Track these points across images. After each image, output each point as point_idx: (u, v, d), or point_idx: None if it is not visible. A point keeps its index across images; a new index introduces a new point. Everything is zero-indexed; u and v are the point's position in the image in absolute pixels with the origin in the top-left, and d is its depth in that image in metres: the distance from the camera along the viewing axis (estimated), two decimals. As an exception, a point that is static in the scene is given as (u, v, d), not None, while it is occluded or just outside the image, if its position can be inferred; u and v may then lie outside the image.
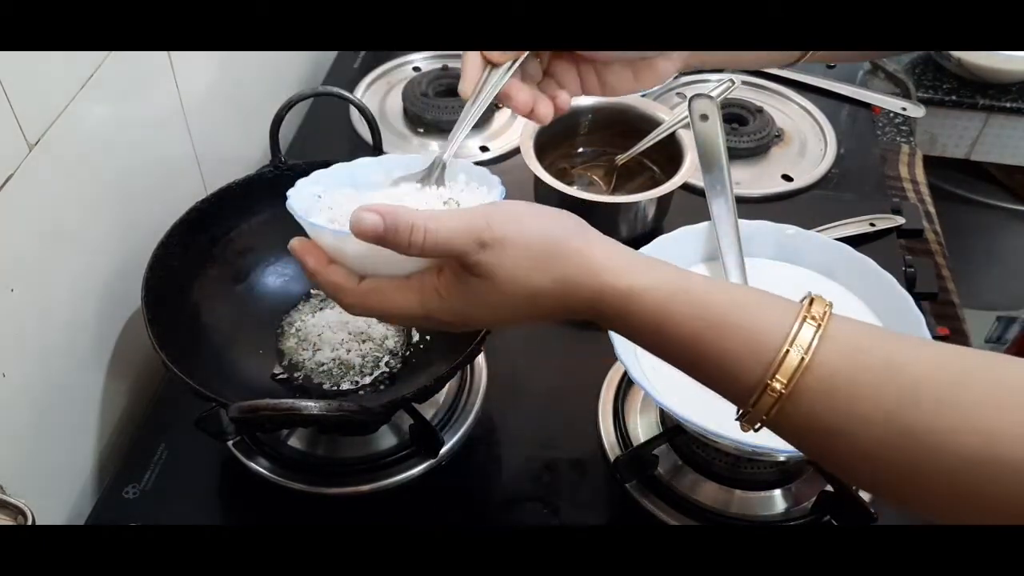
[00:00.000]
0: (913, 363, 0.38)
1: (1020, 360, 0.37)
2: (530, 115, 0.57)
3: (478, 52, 0.53)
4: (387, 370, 0.76)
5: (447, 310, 0.46)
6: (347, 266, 0.48)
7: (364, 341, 0.77)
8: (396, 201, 0.50)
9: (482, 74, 0.53)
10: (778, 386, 0.39)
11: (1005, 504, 0.35)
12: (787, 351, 0.39)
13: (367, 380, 0.75)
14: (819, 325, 0.39)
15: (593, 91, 0.59)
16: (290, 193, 0.52)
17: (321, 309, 0.81)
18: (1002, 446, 0.34)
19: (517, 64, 0.54)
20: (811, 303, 0.40)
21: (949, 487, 0.36)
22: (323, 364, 0.76)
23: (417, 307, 0.46)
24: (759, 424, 0.41)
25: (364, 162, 0.57)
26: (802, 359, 0.38)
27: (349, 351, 0.77)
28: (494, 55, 0.53)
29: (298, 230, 0.50)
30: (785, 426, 0.40)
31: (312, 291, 0.82)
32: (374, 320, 0.77)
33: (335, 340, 0.77)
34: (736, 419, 0.42)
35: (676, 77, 1.15)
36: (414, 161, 0.56)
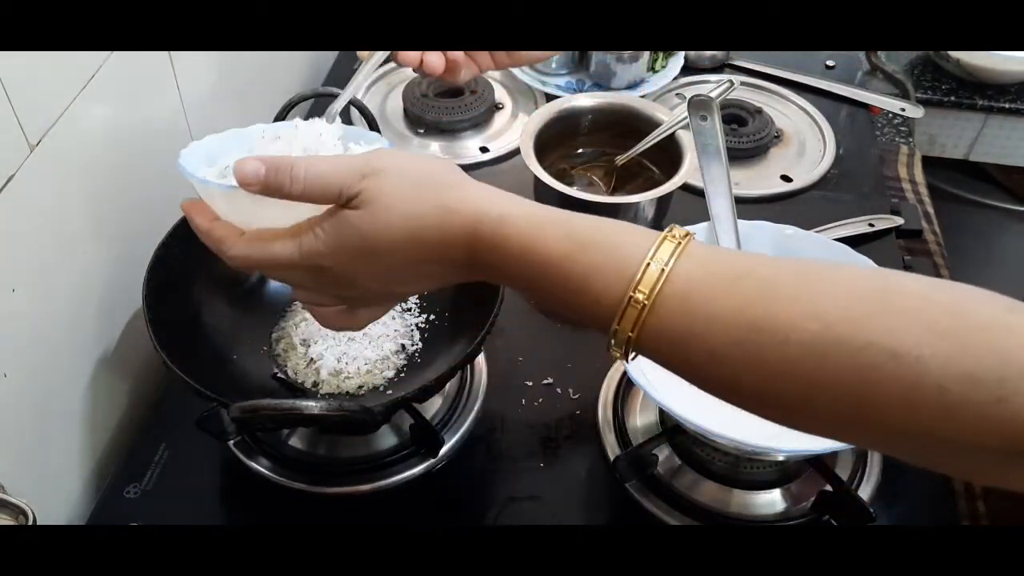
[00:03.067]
0: (762, 267, 0.40)
1: (856, 267, 0.40)
2: (420, 67, 0.61)
3: None
4: (387, 370, 0.76)
5: (327, 254, 0.46)
6: (235, 223, 0.50)
7: (364, 340, 0.77)
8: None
9: None
10: (640, 297, 0.40)
11: (844, 387, 0.37)
12: (647, 264, 0.40)
13: (367, 380, 0.75)
14: (678, 243, 0.41)
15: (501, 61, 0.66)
16: (182, 152, 0.52)
17: (321, 309, 0.81)
18: (839, 327, 0.37)
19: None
20: (672, 229, 0.43)
21: (793, 376, 0.38)
22: (324, 364, 0.76)
23: (296, 253, 0.47)
24: (628, 348, 0.42)
25: (258, 128, 0.57)
26: (662, 271, 0.40)
27: (349, 350, 0.77)
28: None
29: None
30: (650, 342, 0.42)
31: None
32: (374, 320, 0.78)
33: (335, 339, 0.77)
34: (609, 344, 0.43)
35: (676, 78, 1.15)
36: (314, 126, 0.57)
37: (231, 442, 0.73)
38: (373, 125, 0.81)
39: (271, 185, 0.45)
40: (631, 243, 0.42)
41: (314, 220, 0.47)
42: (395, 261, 0.46)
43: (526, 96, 1.16)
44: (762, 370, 0.38)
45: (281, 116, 0.79)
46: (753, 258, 0.42)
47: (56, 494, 0.72)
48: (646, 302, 0.40)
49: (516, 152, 0.95)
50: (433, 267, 0.47)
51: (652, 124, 0.95)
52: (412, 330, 0.79)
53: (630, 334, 0.41)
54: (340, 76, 1.18)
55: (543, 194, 0.89)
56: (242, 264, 0.49)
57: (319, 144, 0.54)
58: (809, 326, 0.37)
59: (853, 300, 0.37)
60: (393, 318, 0.79)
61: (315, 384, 0.75)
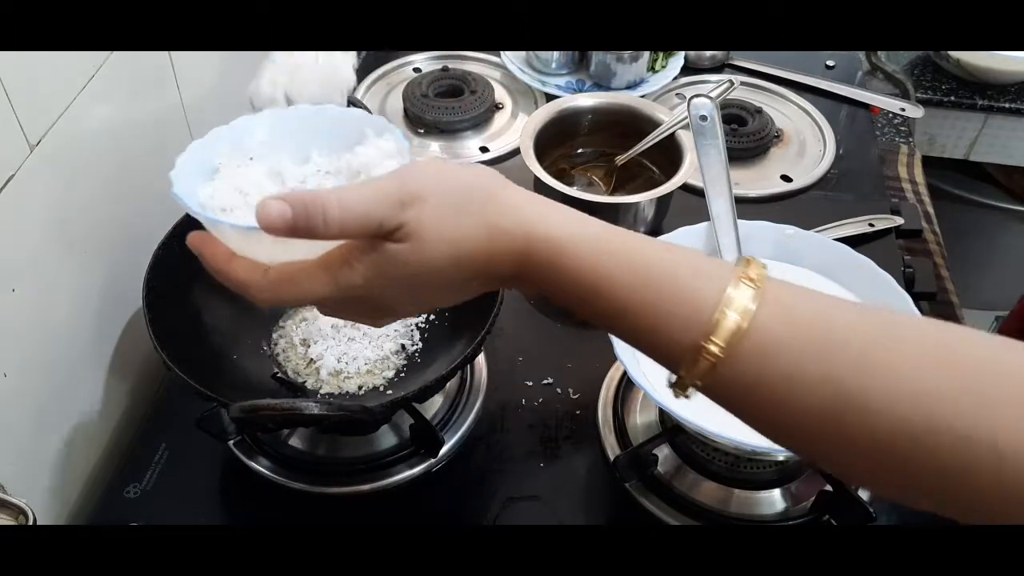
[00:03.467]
0: (853, 329, 0.37)
1: (956, 331, 0.37)
2: None
3: None
4: (387, 370, 0.76)
5: (365, 286, 0.42)
6: (254, 258, 0.43)
7: (364, 341, 0.77)
8: (299, 174, 0.49)
9: None
10: (715, 349, 0.37)
11: (938, 476, 0.34)
12: (724, 312, 0.37)
13: (367, 380, 0.75)
14: (756, 287, 0.38)
15: None
16: (173, 178, 0.45)
17: (321, 309, 0.81)
18: (939, 414, 0.34)
19: None
20: (748, 265, 0.39)
21: (881, 453, 0.35)
22: (324, 364, 0.76)
23: (331, 289, 0.42)
24: (692, 389, 0.40)
25: (244, 124, 0.51)
26: (739, 322, 0.37)
27: (349, 350, 0.77)
28: None
29: None
30: (719, 391, 0.39)
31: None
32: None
33: (335, 339, 0.77)
34: (673, 385, 0.41)
35: (676, 78, 1.15)
36: (293, 114, 0.53)
37: (231, 442, 0.73)
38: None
39: (300, 229, 0.39)
40: (704, 282, 0.38)
41: (349, 252, 0.42)
42: (439, 284, 0.43)
43: (526, 96, 1.16)
44: (846, 443, 0.36)
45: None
46: (841, 312, 0.38)
47: (56, 494, 0.72)
48: (720, 355, 0.37)
49: (516, 152, 0.95)
50: (477, 283, 0.44)
51: (652, 124, 0.95)
52: (412, 330, 0.79)
53: (697, 382, 0.38)
54: (340, 76, 1.18)
55: (543, 194, 0.89)
56: (271, 305, 0.44)
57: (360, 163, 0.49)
58: (905, 409, 0.34)
59: (956, 381, 0.34)
60: (393, 318, 0.79)
61: (315, 384, 0.75)
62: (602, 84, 1.13)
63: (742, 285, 0.38)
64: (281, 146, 0.51)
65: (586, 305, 0.41)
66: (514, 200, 0.42)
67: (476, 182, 0.42)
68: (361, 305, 0.44)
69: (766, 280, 0.38)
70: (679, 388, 0.40)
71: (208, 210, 0.46)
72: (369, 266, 0.41)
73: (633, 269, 0.39)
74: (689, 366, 0.38)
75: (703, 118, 0.78)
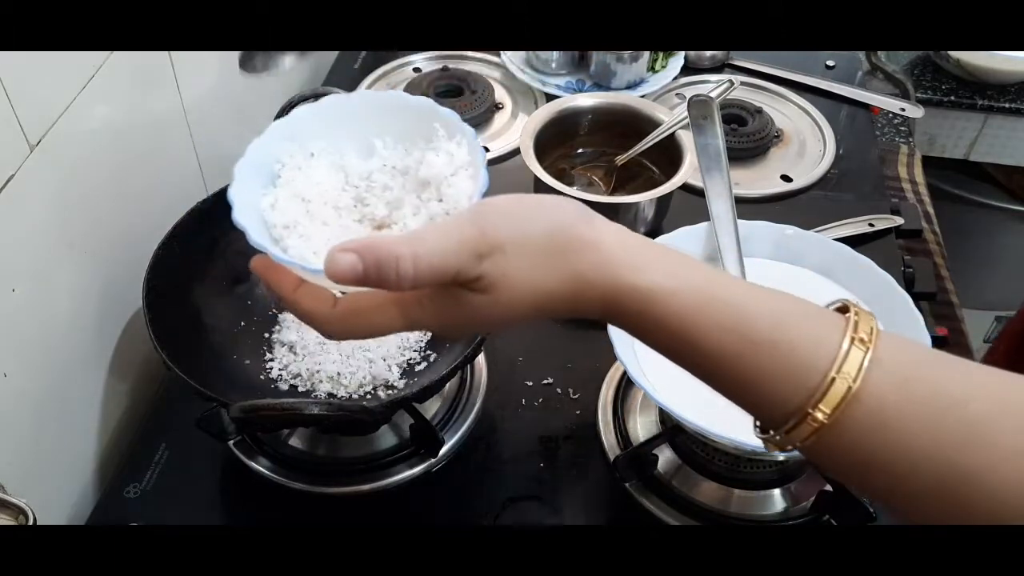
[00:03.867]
0: (974, 400, 0.34)
1: None
2: None
3: None
4: (387, 370, 0.76)
5: (434, 324, 0.41)
6: (322, 286, 0.42)
7: (364, 341, 0.77)
8: (364, 170, 0.46)
9: None
10: (820, 416, 0.35)
11: None
12: (833, 378, 0.35)
13: (367, 380, 0.75)
14: (867, 348, 0.35)
15: None
16: (232, 197, 0.43)
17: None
18: None
19: None
20: (856, 319, 0.36)
21: (1001, 525, 0.33)
22: (324, 363, 0.76)
23: (399, 324, 0.41)
24: (790, 448, 0.38)
25: (304, 115, 0.48)
26: (848, 388, 0.35)
27: (350, 351, 0.76)
28: None
29: None
30: (822, 454, 0.37)
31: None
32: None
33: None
34: (764, 438, 0.39)
35: (676, 78, 1.15)
36: (356, 99, 0.49)
37: (231, 442, 0.73)
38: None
39: (372, 281, 0.37)
40: (811, 342, 0.36)
41: (423, 293, 0.40)
42: (515, 324, 0.41)
43: (526, 96, 1.16)
44: (961, 516, 0.34)
45: (281, 116, 0.79)
46: (960, 378, 0.36)
47: (56, 494, 0.72)
48: (826, 421, 0.35)
49: (516, 152, 0.95)
50: (553, 317, 0.41)
51: (652, 124, 0.95)
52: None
53: (796, 444, 0.37)
54: (341, 77, 1.18)
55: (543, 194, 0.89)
56: (339, 338, 0.43)
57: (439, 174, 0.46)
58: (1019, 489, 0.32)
59: None
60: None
61: (315, 384, 0.75)
62: (602, 84, 1.13)
63: (854, 347, 0.35)
64: (344, 135, 0.48)
65: (679, 357, 0.39)
66: (600, 244, 0.39)
67: (558, 224, 0.39)
68: (429, 330, 0.42)
69: (877, 336, 0.36)
70: (773, 445, 0.38)
71: (272, 227, 0.44)
72: (442, 309, 0.40)
73: (733, 326, 0.37)
74: (790, 429, 0.36)
75: (703, 118, 0.78)
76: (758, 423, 0.40)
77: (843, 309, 0.39)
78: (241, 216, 0.43)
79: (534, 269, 0.38)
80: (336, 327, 0.41)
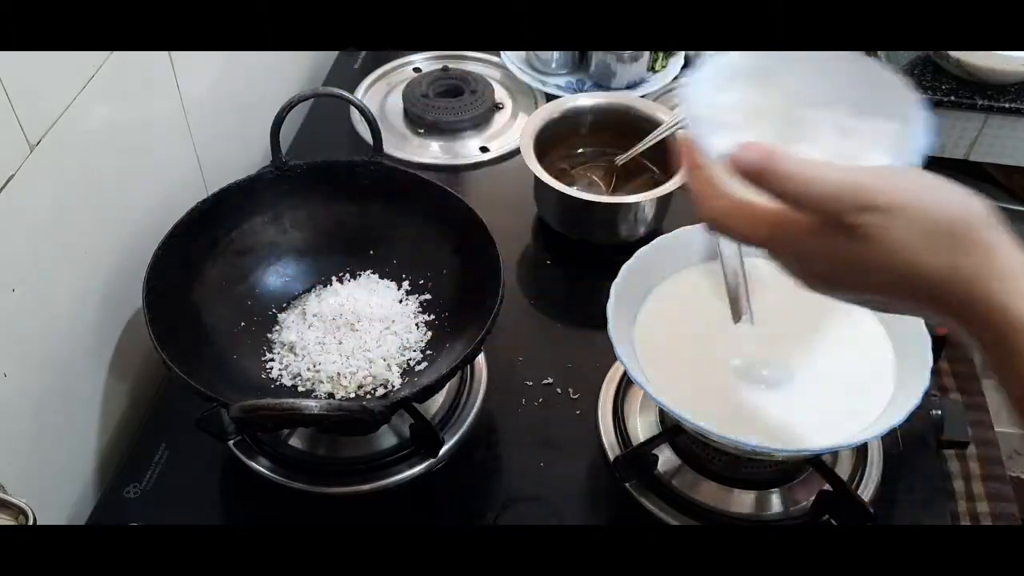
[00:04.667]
0: None
1: None
2: None
3: None
4: (387, 370, 0.76)
5: (793, 255, 0.42)
6: (720, 178, 0.44)
7: (365, 341, 0.77)
8: (812, 117, 0.47)
9: None
10: None
11: None
12: None
13: (367, 380, 0.75)
14: None
15: None
16: (693, 79, 0.47)
17: (320, 308, 0.80)
18: None
19: None
20: None
21: None
22: (324, 364, 0.76)
23: (766, 240, 0.42)
24: None
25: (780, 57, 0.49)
26: None
27: (350, 350, 0.77)
28: None
29: None
30: None
31: (312, 290, 0.82)
32: (374, 318, 0.78)
33: (335, 339, 0.77)
34: None
35: (676, 78, 1.15)
36: (835, 58, 0.50)
37: (231, 442, 0.73)
38: (374, 126, 0.81)
39: (764, 182, 0.40)
40: None
41: (800, 221, 0.41)
42: (864, 286, 0.41)
43: (526, 96, 1.16)
44: None
45: (282, 116, 0.79)
46: None
47: (56, 494, 0.72)
48: None
49: (516, 152, 0.95)
50: (897, 303, 0.41)
51: (652, 124, 0.95)
52: (412, 330, 0.79)
53: None
54: (341, 77, 1.18)
55: (543, 194, 0.89)
56: (710, 224, 0.45)
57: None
58: None
59: None
60: (393, 320, 0.79)
61: (315, 384, 0.75)
62: (602, 84, 1.13)
63: None
64: (807, 83, 0.49)
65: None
66: (993, 252, 0.38)
67: (964, 214, 0.39)
68: (774, 255, 0.43)
69: None
70: None
71: (709, 120, 0.46)
72: (809, 242, 0.41)
73: None
74: None
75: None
76: None
77: None
78: (696, 90, 0.47)
79: (917, 241, 0.38)
80: (713, 214, 0.44)
